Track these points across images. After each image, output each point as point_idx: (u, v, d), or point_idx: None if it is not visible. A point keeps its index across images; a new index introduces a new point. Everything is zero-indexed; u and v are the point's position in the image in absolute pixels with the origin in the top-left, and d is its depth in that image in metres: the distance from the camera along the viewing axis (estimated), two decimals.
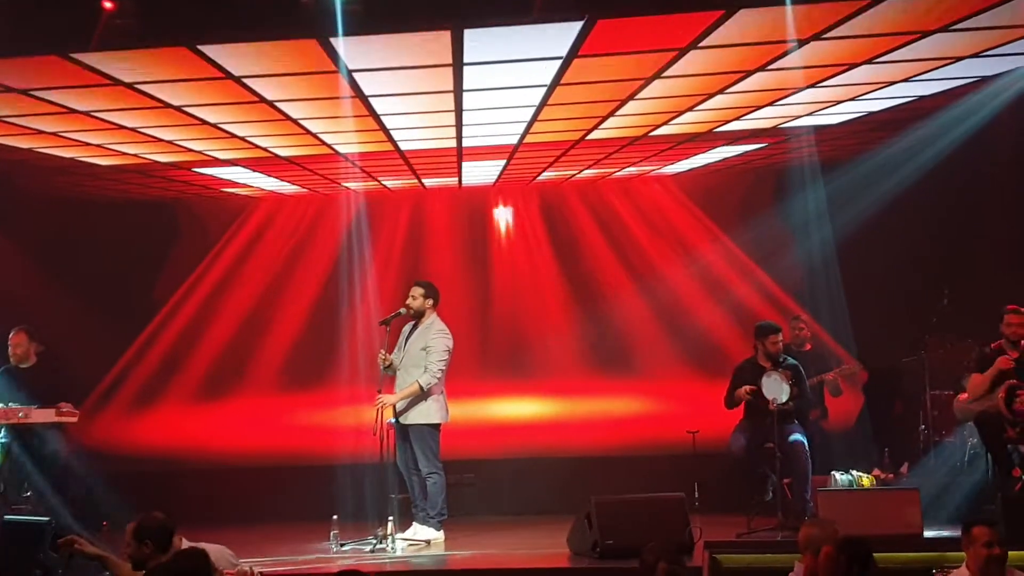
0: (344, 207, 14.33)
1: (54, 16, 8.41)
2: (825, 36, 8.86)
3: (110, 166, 12.51)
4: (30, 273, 12.76)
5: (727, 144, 12.72)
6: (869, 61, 9.54)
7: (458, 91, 10.09)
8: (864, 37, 8.87)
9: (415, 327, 9.15)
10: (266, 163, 12.72)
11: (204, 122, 10.64)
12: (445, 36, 8.72)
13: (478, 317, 14.47)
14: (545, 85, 9.89)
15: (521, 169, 14.31)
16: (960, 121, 10.99)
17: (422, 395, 9.02)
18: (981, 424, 9.06)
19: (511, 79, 9.97)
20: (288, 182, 14.36)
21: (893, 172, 11.81)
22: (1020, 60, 9.85)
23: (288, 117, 10.53)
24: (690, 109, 11.06)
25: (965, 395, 9.46)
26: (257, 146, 11.83)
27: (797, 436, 9.31)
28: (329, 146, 11.76)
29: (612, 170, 14.55)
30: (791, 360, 9.68)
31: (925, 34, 8.91)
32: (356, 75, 9.33)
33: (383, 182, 14.70)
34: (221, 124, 10.80)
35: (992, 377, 8.85)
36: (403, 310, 9.07)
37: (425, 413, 9.12)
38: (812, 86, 10.30)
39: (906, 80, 10.21)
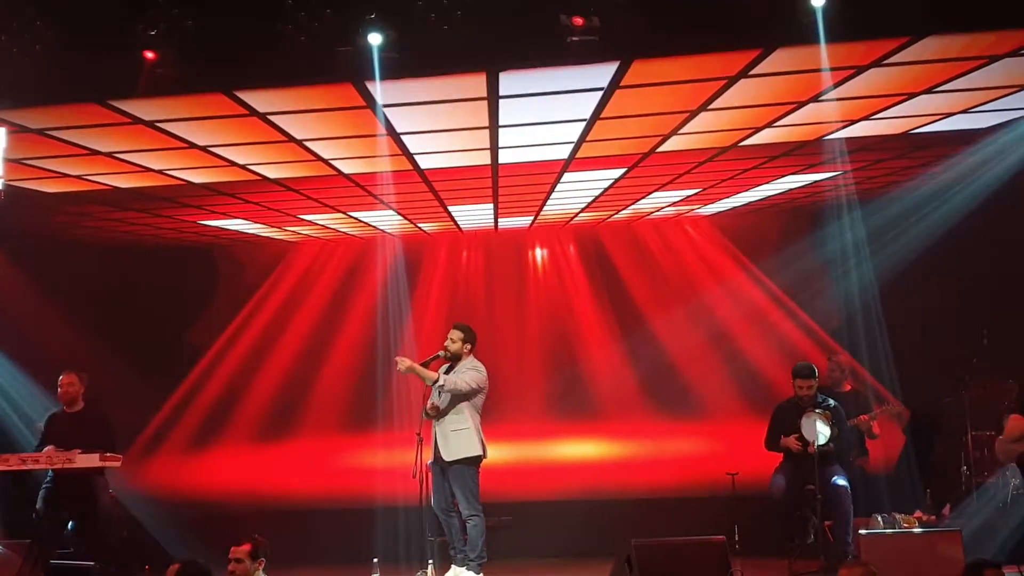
0: (383, 251, 14.46)
1: (93, 65, 8.62)
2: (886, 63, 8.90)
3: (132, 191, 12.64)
4: (70, 324, 12.95)
5: (768, 180, 12.73)
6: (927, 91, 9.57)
7: (494, 126, 10.19)
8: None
9: (451, 369, 9.18)
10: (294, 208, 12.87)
11: (233, 163, 10.80)
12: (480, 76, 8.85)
13: (516, 358, 14.49)
14: (584, 119, 9.97)
15: (557, 210, 14.38)
16: (1003, 156, 10.96)
17: (461, 429, 9.03)
18: (1022, 464, 8.94)
19: (548, 114, 10.06)
20: (324, 228, 14.53)
21: (934, 209, 11.77)
22: None
23: (318, 157, 10.66)
24: (735, 145, 11.10)
25: (1005, 435, 9.35)
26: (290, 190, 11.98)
27: (838, 478, 9.23)
28: (365, 190, 11.88)
29: (650, 210, 14.58)
30: (831, 401, 9.61)
31: (994, 58, 8.93)
32: (389, 112, 9.46)
33: (420, 226, 14.82)
34: (250, 165, 10.96)
35: None
36: (442, 352, 9.11)
37: (467, 446, 9.13)
38: (866, 118, 10.33)
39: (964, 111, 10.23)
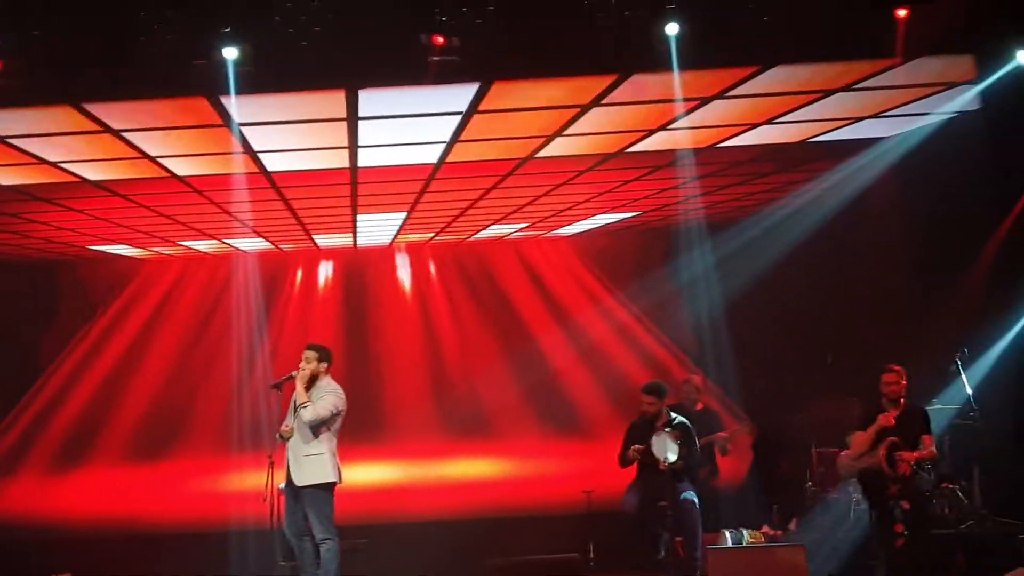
0: (238, 270, 14.16)
1: None
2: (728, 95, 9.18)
3: None
4: None
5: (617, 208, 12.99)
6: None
7: (353, 147, 10.14)
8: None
9: (307, 390, 9.04)
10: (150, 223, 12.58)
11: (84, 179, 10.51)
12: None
13: (373, 379, 14.39)
14: (444, 142, 10.01)
15: (417, 228, 14.37)
16: (844, 185, 11.41)
17: (316, 454, 8.89)
18: (864, 481, 9.27)
19: (408, 135, 10.07)
20: (176, 243, 14.21)
21: (780, 234, 12.15)
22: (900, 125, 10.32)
23: (168, 170, 10.45)
24: (590, 169, 11.28)
25: (848, 452, 9.68)
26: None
27: (688, 494, 9.40)
28: (217, 204, 11.67)
29: (509, 230, 14.70)
30: (681, 420, 9.80)
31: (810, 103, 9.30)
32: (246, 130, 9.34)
33: (277, 244, 14.62)
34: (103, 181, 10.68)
35: (873, 435, 9.06)
36: (295, 373, 8.96)
37: (321, 472, 8.97)
38: (712, 146, 10.62)
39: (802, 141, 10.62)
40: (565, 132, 9.80)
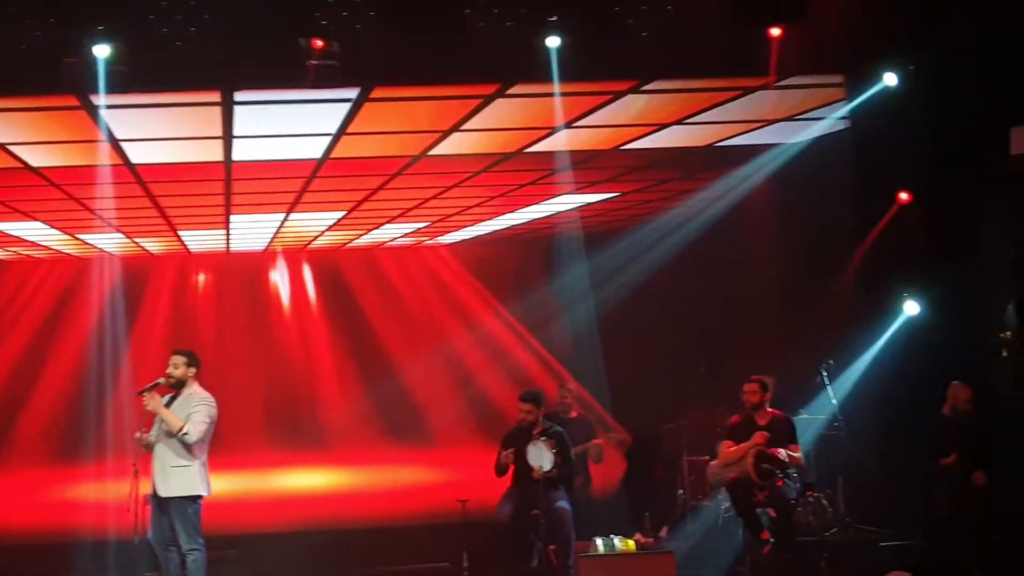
0: (101, 273, 13.78)
1: None
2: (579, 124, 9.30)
3: None
4: None
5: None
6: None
7: (227, 144, 9.97)
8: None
9: (175, 397, 8.84)
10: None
11: None
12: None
13: (244, 386, 14.15)
14: (327, 139, 9.91)
15: (294, 234, 14.20)
16: (720, 197, 11.64)
17: (184, 465, 8.68)
18: (732, 489, 9.46)
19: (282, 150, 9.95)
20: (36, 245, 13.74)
21: (655, 246, 12.34)
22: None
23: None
24: (457, 185, 11.31)
25: (716, 461, 9.88)
26: None
27: (562, 503, 9.46)
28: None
29: (389, 237, 14.62)
30: (556, 428, 9.86)
31: (686, 118, 9.48)
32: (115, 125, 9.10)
33: (144, 245, 14.27)
34: None
35: (745, 450, 9.25)
36: (162, 380, 8.74)
37: (188, 485, 8.75)
38: (591, 155, 10.73)
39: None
40: (461, 128, 9.77)
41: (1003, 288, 9.93)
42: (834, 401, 10.75)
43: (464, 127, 9.52)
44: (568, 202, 12.37)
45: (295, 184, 11.09)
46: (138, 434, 8.57)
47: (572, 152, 10.32)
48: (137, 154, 10.03)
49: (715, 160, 11.17)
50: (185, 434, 8.50)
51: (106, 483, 10.96)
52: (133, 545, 8.84)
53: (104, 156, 9.67)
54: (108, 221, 11.73)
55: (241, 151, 10.11)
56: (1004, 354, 9.95)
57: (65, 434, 13.51)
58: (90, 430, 12.92)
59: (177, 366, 8.69)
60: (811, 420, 10.82)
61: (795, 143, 10.68)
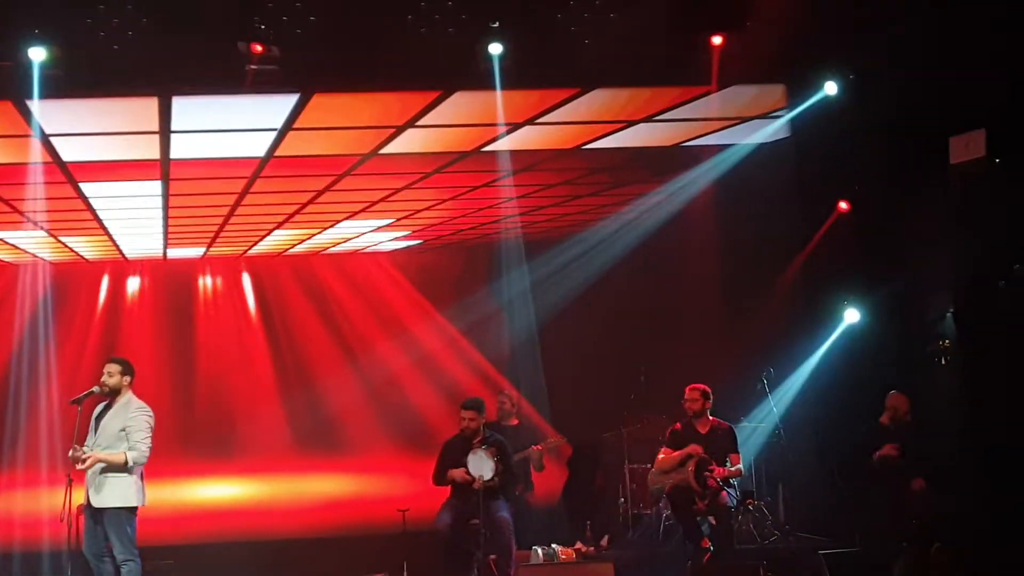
0: (29, 279, 13.48)
1: None
2: (538, 122, 9.28)
3: None
4: None
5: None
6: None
7: (165, 157, 9.82)
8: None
9: (108, 406, 8.66)
10: None
11: None
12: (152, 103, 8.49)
13: (180, 395, 13.95)
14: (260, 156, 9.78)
15: (231, 241, 14.02)
16: (660, 204, 11.68)
17: (120, 475, 8.51)
18: (673, 497, 9.47)
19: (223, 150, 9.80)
20: None
21: (596, 253, 12.35)
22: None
23: None
24: (408, 187, 11.22)
25: (654, 467, 9.87)
26: None
27: (502, 512, 9.41)
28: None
29: (326, 245, 14.49)
30: (496, 436, 9.81)
31: (631, 123, 9.49)
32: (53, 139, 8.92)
33: (79, 251, 14.01)
34: None
35: (683, 456, 9.27)
36: (96, 388, 8.56)
37: (123, 496, 8.58)
38: (524, 169, 10.71)
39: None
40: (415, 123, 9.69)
41: (941, 297, 10.04)
42: (774, 409, 10.81)
43: (416, 124, 9.42)
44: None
45: (237, 185, 10.91)
46: (71, 452, 8.38)
47: (517, 152, 10.28)
48: (70, 151, 9.80)
49: (664, 163, 11.18)
50: (133, 464, 8.37)
51: (35, 493, 10.72)
52: (63, 556, 8.66)
53: (36, 154, 9.47)
54: (39, 224, 11.48)
55: (180, 149, 9.91)
56: (942, 362, 10.05)
57: None
58: (18, 440, 12.65)
59: (112, 374, 8.52)
60: (752, 429, 10.89)
61: (736, 150, 10.72)
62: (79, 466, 8.34)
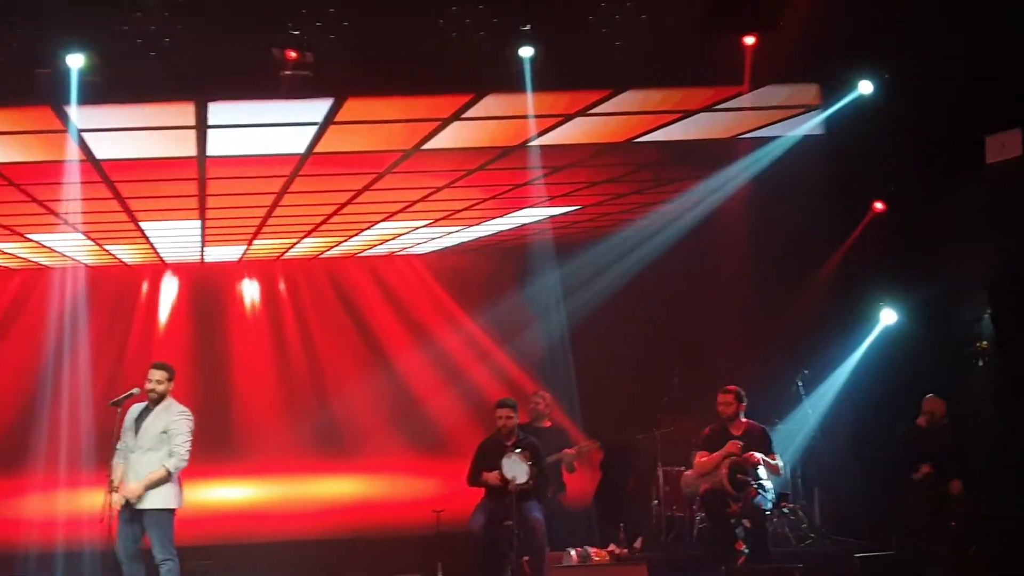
0: (69, 281, 13.64)
1: None
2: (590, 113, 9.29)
3: None
4: None
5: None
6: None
7: (201, 156, 9.91)
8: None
9: (148, 408, 8.77)
10: None
11: None
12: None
13: (223, 398, 14.07)
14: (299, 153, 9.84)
15: (267, 246, 14.12)
16: (695, 204, 11.64)
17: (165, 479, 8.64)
18: (706, 500, 9.46)
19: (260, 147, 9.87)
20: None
21: (629, 254, 12.33)
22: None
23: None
24: (449, 185, 11.24)
25: (691, 471, 9.87)
26: None
27: (535, 514, 9.43)
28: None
29: (361, 248, 14.56)
30: (530, 439, 9.83)
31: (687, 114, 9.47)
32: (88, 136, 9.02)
33: (117, 255, 14.16)
34: None
35: (719, 458, 9.26)
36: (136, 390, 8.65)
37: (164, 498, 8.70)
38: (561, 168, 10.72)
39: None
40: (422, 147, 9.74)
41: (978, 298, 9.96)
42: (810, 412, 10.76)
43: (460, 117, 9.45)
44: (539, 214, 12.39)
45: (274, 184, 10.97)
46: (114, 500, 8.45)
47: (557, 147, 10.27)
48: (104, 150, 9.91)
49: (705, 158, 11.12)
50: (175, 470, 8.49)
51: (76, 493, 10.83)
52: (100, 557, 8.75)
53: (72, 152, 9.57)
54: (73, 224, 11.60)
55: (216, 147, 9.99)
56: (980, 364, 9.97)
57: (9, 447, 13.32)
58: (59, 441, 12.79)
59: (160, 381, 8.63)
60: (788, 431, 10.83)
61: (773, 147, 10.66)
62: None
